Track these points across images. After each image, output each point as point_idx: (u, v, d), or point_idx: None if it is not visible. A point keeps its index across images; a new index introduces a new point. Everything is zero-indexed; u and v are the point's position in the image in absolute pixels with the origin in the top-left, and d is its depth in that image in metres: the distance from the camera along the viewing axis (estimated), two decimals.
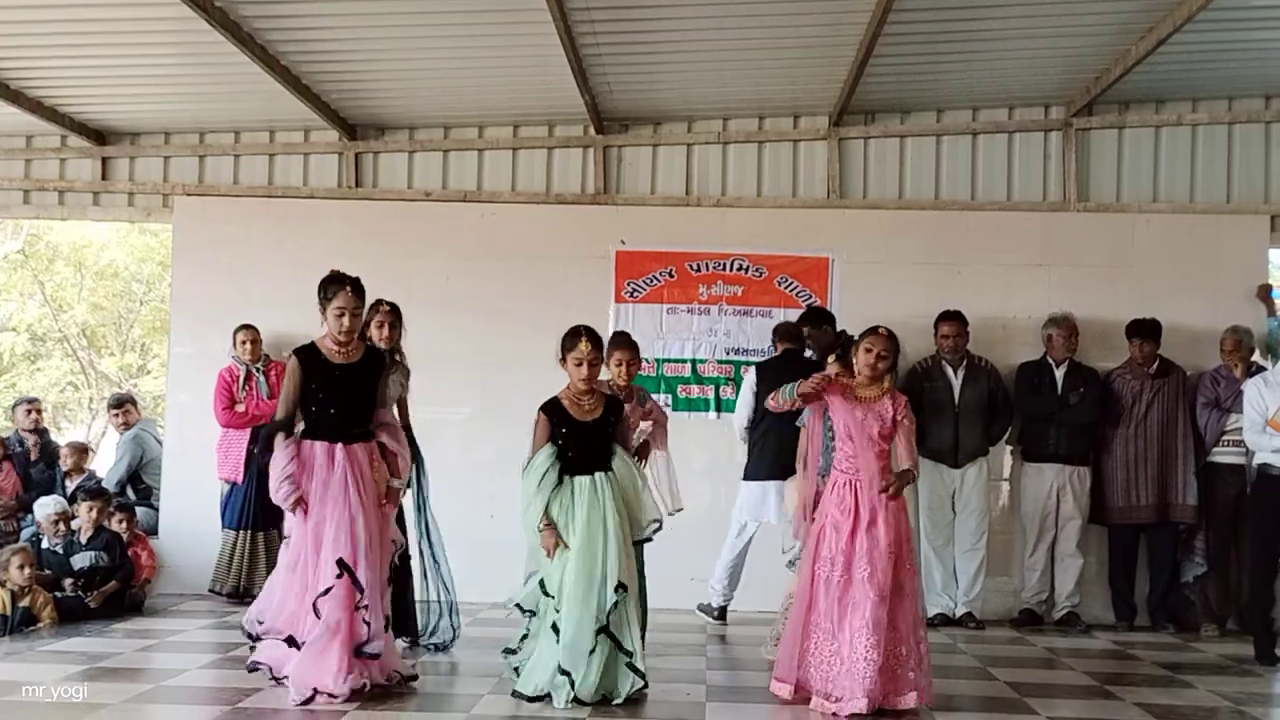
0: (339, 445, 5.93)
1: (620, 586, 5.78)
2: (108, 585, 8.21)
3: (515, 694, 5.82)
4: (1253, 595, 7.79)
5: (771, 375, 7.91)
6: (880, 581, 5.74)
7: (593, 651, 5.72)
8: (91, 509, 8.36)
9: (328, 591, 5.74)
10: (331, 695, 5.61)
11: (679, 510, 7.02)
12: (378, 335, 6.81)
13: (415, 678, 6.11)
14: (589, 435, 5.99)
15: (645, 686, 5.85)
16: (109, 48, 8.13)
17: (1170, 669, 7.24)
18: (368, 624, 5.78)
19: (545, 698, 5.74)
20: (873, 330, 6.07)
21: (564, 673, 5.69)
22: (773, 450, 7.98)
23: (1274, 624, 7.74)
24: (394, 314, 7.00)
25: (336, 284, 5.98)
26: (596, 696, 5.72)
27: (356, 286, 6.01)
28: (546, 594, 5.84)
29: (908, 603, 5.85)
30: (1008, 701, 6.19)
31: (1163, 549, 8.75)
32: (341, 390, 5.99)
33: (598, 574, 5.79)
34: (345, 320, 5.96)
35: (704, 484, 8.98)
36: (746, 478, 8.34)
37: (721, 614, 8.51)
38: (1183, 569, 8.74)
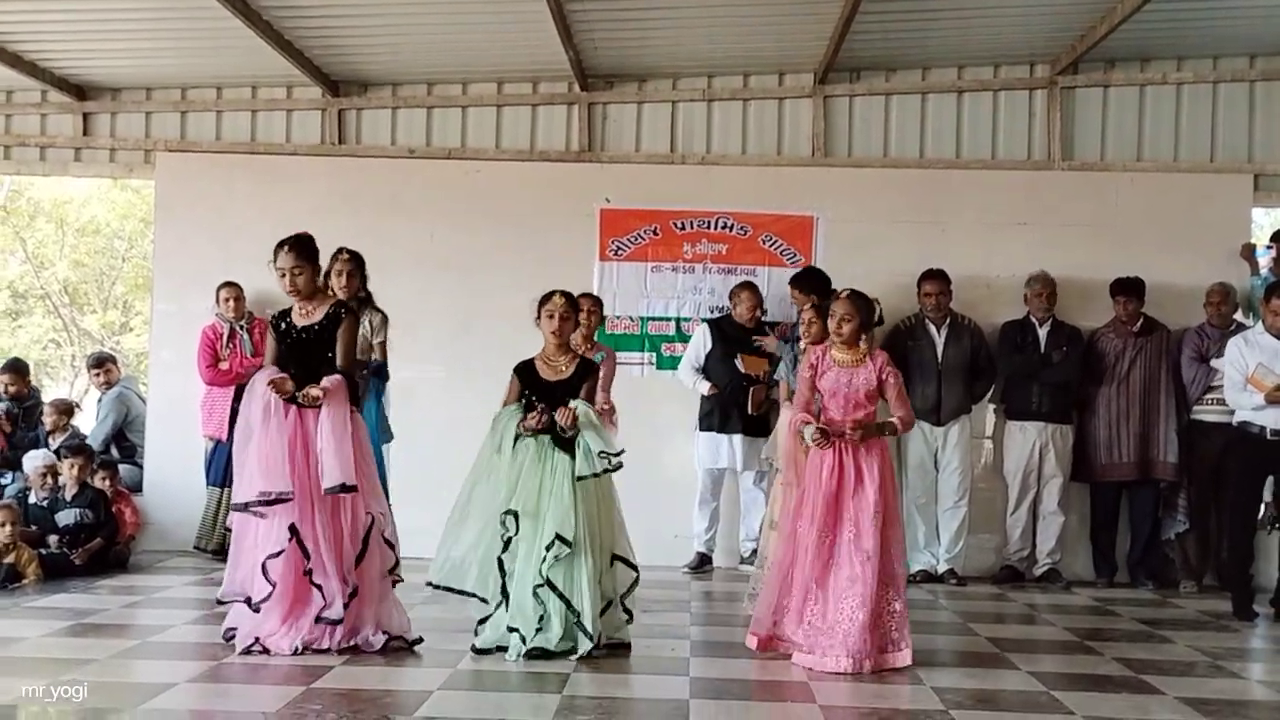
0: (294, 409, 5.92)
1: (559, 541, 5.79)
2: (93, 542, 8.21)
3: (473, 649, 5.90)
4: (1231, 552, 7.87)
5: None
6: (868, 543, 5.78)
7: (541, 613, 5.80)
8: (74, 466, 8.36)
9: (278, 554, 5.78)
10: (265, 650, 5.71)
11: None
12: (338, 284, 6.79)
13: (419, 640, 6.01)
14: (557, 394, 6.02)
15: (597, 648, 5.81)
16: (90, 2, 8.06)
17: (1149, 624, 7.31)
18: (318, 587, 5.79)
19: (500, 650, 5.84)
20: (836, 295, 6.11)
21: (511, 629, 5.81)
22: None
23: (1252, 580, 7.84)
24: (354, 261, 6.97)
25: (277, 247, 6.00)
26: (558, 648, 5.78)
27: (297, 245, 5.98)
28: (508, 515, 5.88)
29: (894, 561, 5.89)
30: (989, 656, 6.24)
31: (1144, 506, 8.82)
32: (298, 351, 6.00)
33: (539, 530, 5.84)
34: (286, 281, 5.98)
35: (686, 441, 8.98)
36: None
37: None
38: (1164, 526, 8.81)
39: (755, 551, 8.25)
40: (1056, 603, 8.11)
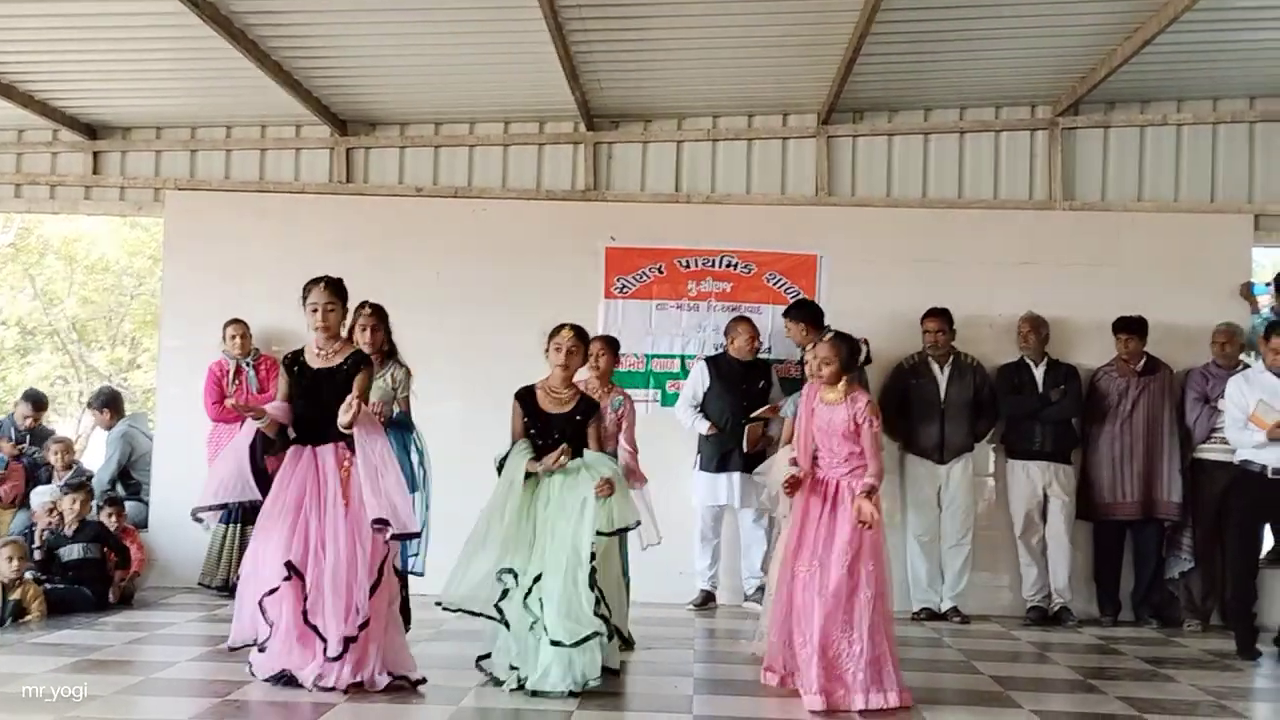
0: (307, 448, 5.94)
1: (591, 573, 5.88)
2: (125, 577, 8.37)
3: (520, 682, 5.84)
4: (1234, 591, 7.86)
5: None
6: (829, 578, 5.73)
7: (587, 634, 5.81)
8: (75, 501, 8.39)
9: (273, 592, 5.76)
10: (293, 678, 5.69)
11: (657, 543, 7.07)
12: (361, 339, 6.79)
13: (422, 680, 5.96)
14: (556, 427, 6.11)
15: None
16: (101, 43, 8.16)
17: (1153, 663, 7.31)
18: (314, 628, 5.73)
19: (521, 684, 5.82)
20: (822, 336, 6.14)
21: (513, 667, 5.85)
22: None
23: (1255, 619, 7.82)
24: (377, 315, 6.98)
25: (312, 282, 6.02)
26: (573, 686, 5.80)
27: (331, 283, 6.01)
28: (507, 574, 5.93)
29: (872, 601, 5.76)
30: (992, 695, 6.25)
31: (1147, 545, 8.82)
32: (313, 393, 5.97)
33: (572, 561, 5.89)
34: (318, 316, 5.97)
35: (690, 477, 8.98)
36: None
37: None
38: (1168, 565, 8.81)
39: (760, 589, 8.27)
40: (1060, 641, 8.10)
